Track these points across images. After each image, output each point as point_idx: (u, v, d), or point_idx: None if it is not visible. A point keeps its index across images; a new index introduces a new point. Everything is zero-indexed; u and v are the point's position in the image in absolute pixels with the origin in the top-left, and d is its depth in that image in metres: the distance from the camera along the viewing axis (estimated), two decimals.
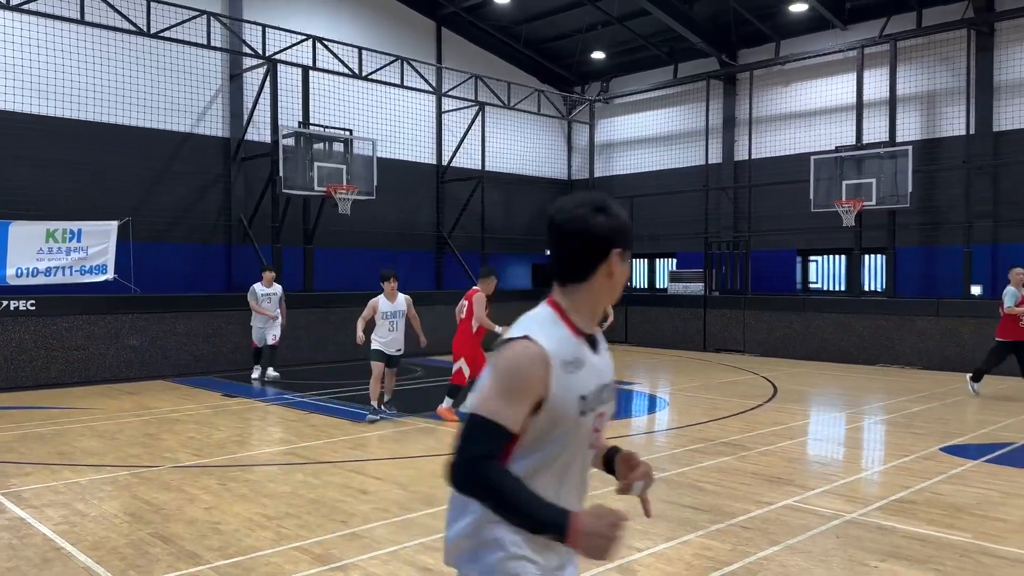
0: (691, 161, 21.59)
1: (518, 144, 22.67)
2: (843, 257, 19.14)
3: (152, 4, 14.29)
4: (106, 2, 13.70)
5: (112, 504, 6.33)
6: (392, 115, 19.72)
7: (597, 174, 23.57)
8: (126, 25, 14.17)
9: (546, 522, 1.93)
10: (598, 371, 2.15)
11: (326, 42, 16.84)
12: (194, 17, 14.80)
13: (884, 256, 17.59)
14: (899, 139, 16.99)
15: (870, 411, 10.96)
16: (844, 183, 16.75)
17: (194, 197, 16.79)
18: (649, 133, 22.81)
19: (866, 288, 18.42)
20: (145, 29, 14.24)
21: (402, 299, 9.82)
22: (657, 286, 23.13)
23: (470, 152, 20.57)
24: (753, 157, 20.27)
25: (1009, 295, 11.73)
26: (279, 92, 16.21)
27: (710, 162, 20.97)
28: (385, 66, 17.82)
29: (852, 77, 17.85)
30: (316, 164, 15.91)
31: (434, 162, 21.13)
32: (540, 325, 2.09)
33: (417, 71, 18.57)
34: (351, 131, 17.03)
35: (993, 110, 16.43)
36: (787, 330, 17.67)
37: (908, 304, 16.25)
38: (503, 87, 20.42)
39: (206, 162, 16.91)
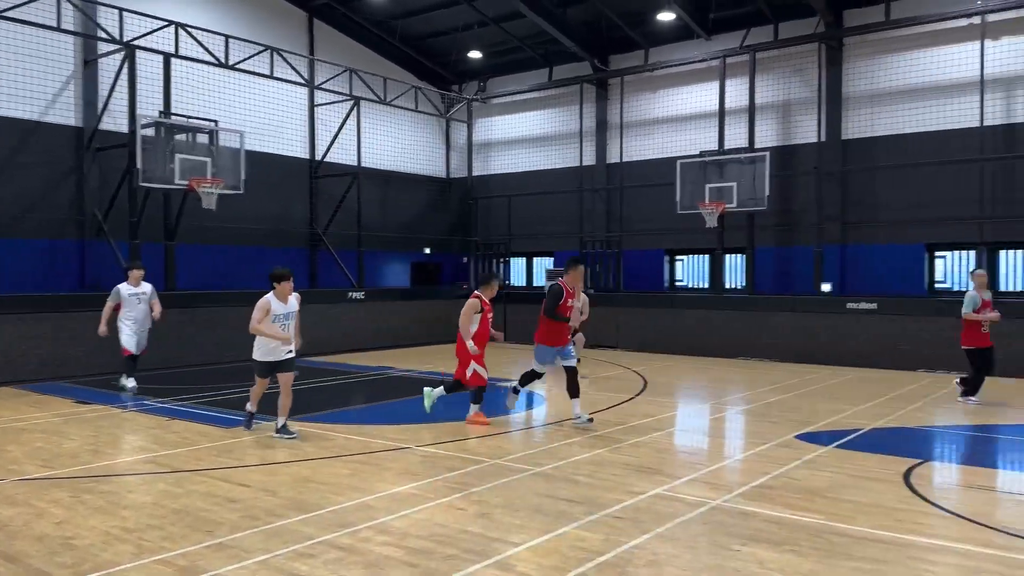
0: (566, 162, 22.05)
1: (395, 141, 22.41)
2: (707, 257, 20.08)
3: None
4: None
5: None
6: (262, 107, 19.02)
7: (475, 173, 23.67)
8: None
9: None
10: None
11: (190, 29, 16.02)
12: None
13: (744, 256, 18.60)
14: (758, 145, 18.00)
15: (732, 402, 11.55)
16: (708, 186, 17.58)
17: (43, 190, 15.56)
18: (526, 134, 23.11)
19: (728, 286, 19.41)
20: None
21: (295, 300, 8.82)
22: (535, 284, 23.47)
23: (346, 147, 20.15)
24: (624, 160, 20.94)
25: (969, 300, 11.05)
26: (138, 80, 15.27)
27: (584, 164, 21.49)
28: (254, 56, 17.16)
29: (715, 85, 18.75)
30: (178, 156, 15.08)
31: (307, 157, 20.54)
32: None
33: (288, 62, 17.99)
34: (216, 122, 16.27)
35: (842, 120, 17.70)
36: (657, 326, 18.36)
37: (766, 301, 17.27)
38: (379, 82, 20.12)
39: (57, 152, 15.70)
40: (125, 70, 15.26)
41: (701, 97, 19.58)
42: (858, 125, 17.57)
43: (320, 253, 20.19)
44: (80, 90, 16.06)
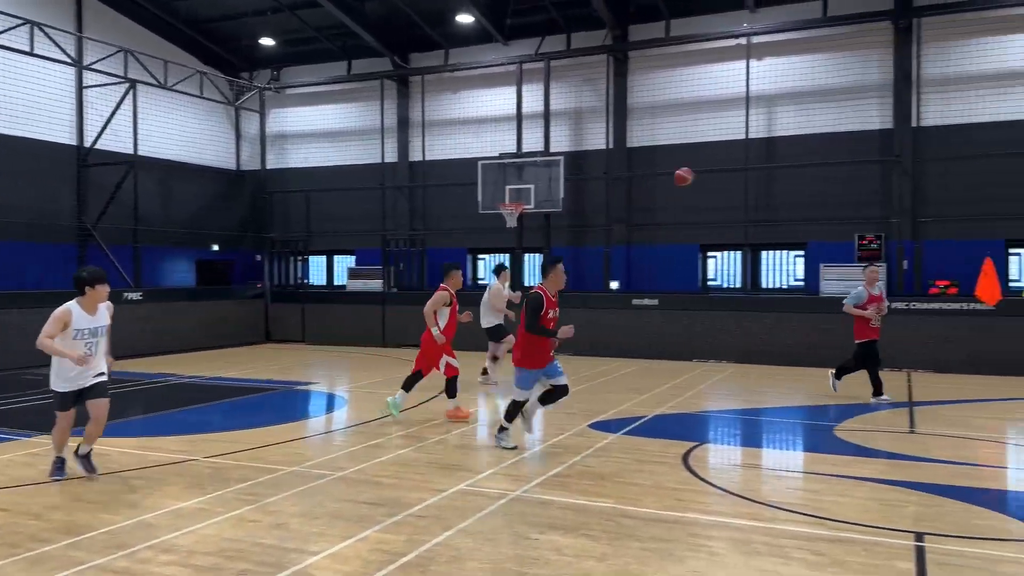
0: (368, 159, 21.68)
1: (179, 129, 20.86)
2: (507, 256, 20.60)
3: None
4: None
5: None
6: (19, 87, 16.93)
7: (270, 166, 22.59)
8: None
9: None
10: None
11: None
12: None
13: (542, 255, 19.28)
14: (553, 149, 18.73)
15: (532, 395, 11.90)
16: (507, 187, 18.04)
17: None
18: (325, 127, 22.44)
19: (527, 284, 20.04)
20: None
21: (106, 310, 6.93)
22: (336, 283, 22.87)
23: (120, 134, 18.45)
24: (427, 159, 20.96)
25: (855, 296, 11.09)
26: None
27: (387, 161, 21.24)
28: (10, 30, 15.23)
29: (514, 90, 19.27)
30: None
31: (75, 143, 18.56)
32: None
33: (51, 39, 16.16)
34: None
35: (627, 128, 18.88)
36: (461, 324, 18.48)
37: (561, 298, 17.96)
38: (159, 65, 18.61)
39: None
40: None
41: (500, 100, 20.04)
42: (641, 134, 18.81)
43: (91, 249, 18.29)
44: None
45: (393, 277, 20.54)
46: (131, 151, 18.36)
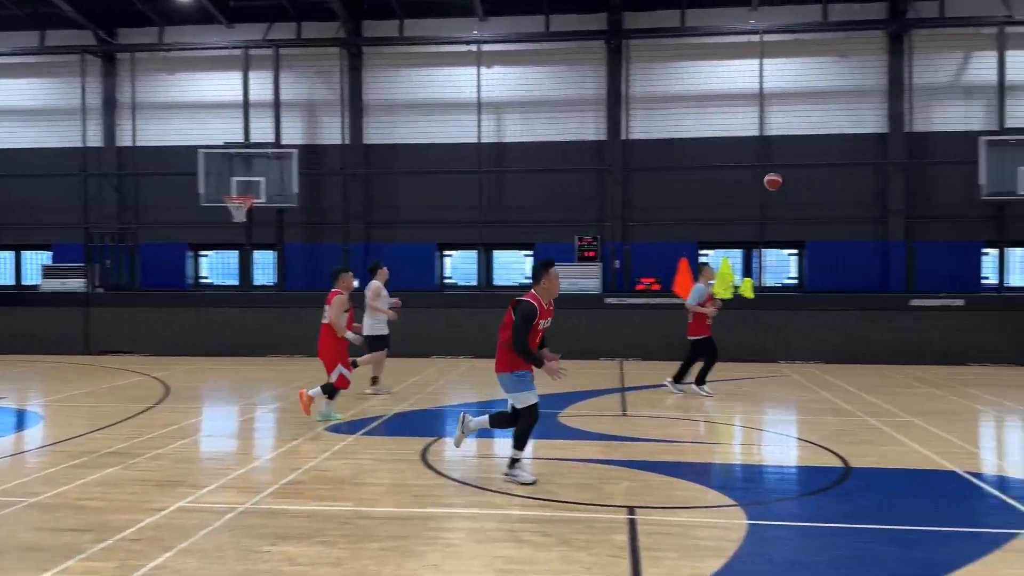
0: (67, 141, 19.23)
1: None
2: (235, 252, 19.42)
3: None
4: None
5: None
6: None
7: None
8: None
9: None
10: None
11: None
12: None
13: (275, 252, 18.44)
14: (285, 142, 18.00)
15: (262, 401, 11.33)
16: (234, 179, 16.99)
17: None
18: (13, 104, 19.53)
19: (258, 283, 19.06)
20: None
21: None
22: (26, 283, 19.99)
23: None
24: (139, 144, 19.11)
25: (697, 293, 11.30)
26: None
27: (90, 145, 19.01)
28: None
29: (239, 76, 18.20)
30: None
31: None
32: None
33: None
34: None
35: (363, 125, 18.68)
36: (181, 327, 17.10)
37: (296, 297, 17.37)
38: None
39: None
40: None
41: (225, 86, 18.83)
42: (379, 131, 18.74)
43: None
44: None
45: (98, 275, 18.40)
46: None
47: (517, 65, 18.35)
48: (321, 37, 18.36)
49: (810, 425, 9.57)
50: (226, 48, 18.36)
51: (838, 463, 7.53)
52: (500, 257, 19.29)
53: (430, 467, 7.35)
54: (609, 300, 16.58)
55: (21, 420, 10.02)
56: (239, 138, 18.03)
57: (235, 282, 19.55)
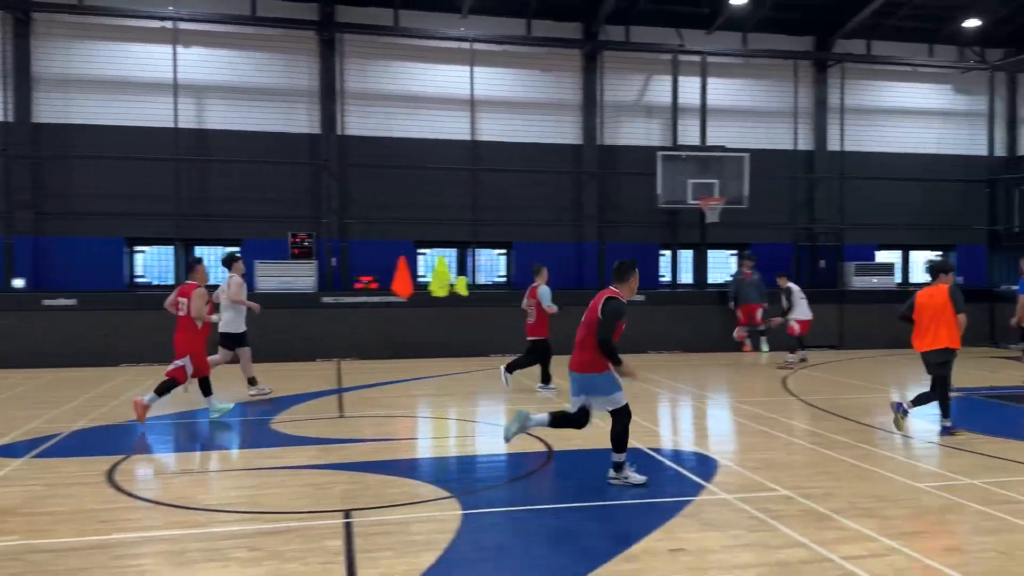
0: None
1: None
2: None
3: None
4: None
5: None
6: None
7: None
8: None
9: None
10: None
11: None
12: None
13: None
14: None
15: None
16: None
17: None
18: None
19: None
20: None
21: None
22: None
23: None
24: None
25: (548, 294, 11.48)
26: None
27: None
28: None
29: None
30: None
31: None
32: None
33: None
34: None
35: (32, 100, 16.21)
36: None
37: None
38: None
39: None
40: None
41: None
42: (52, 109, 16.38)
43: None
44: None
45: None
46: None
47: (218, 47, 17.09)
48: None
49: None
50: None
51: (543, 448, 8.00)
52: (203, 252, 17.85)
53: (119, 489, 6.54)
54: (326, 299, 16.14)
55: None
56: None
57: None
